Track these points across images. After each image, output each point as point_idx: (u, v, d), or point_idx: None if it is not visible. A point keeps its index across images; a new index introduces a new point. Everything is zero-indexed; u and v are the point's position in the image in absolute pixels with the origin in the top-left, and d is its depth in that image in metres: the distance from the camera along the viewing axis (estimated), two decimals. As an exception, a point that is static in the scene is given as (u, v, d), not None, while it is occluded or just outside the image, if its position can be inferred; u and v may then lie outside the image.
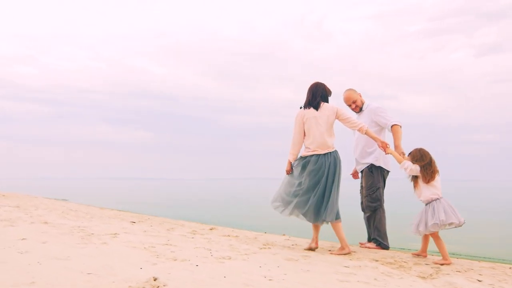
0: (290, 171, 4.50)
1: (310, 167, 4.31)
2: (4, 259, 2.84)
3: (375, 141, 4.40)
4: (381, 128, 4.93)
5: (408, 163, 4.21)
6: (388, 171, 4.98)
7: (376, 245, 4.86)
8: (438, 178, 4.17)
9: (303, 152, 4.47)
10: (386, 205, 4.97)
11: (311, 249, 4.43)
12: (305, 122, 4.37)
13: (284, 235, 6.14)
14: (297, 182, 4.39)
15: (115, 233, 4.68)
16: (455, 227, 4.00)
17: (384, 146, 4.36)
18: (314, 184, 4.26)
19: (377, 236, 4.87)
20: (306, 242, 5.19)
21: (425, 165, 4.13)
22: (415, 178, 4.26)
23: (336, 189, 4.28)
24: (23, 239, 3.85)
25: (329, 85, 4.52)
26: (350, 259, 3.84)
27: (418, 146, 4.30)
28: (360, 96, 5.12)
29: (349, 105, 5.13)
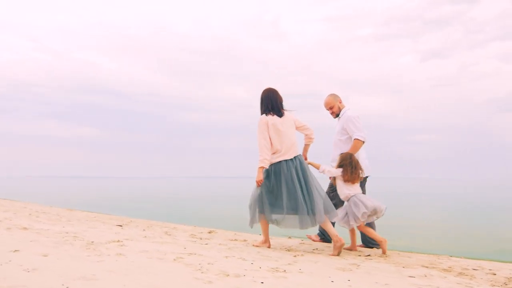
0: (262, 181, 4.21)
1: (284, 172, 4.19)
2: (19, 281, 2.16)
3: (303, 153, 4.56)
4: (350, 136, 4.88)
5: (325, 167, 4.55)
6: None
7: (320, 239, 5.06)
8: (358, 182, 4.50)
9: (277, 158, 4.27)
10: None
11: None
12: (270, 129, 4.25)
13: (290, 237, 5.70)
14: (274, 194, 4.22)
15: (118, 240, 4.01)
16: (377, 218, 4.35)
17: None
18: (294, 191, 4.13)
19: (324, 231, 4.95)
20: (326, 246, 4.79)
21: (352, 168, 4.39)
22: (333, 178, 4.66)
23: (315, 187, 4.20)
24: (16, 250, 3.12)
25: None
26: (403, 267, 3.45)
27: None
28: (340, 102, 5.05)
29: (327, 110, 5.10)
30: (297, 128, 4.44)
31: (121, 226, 5.94)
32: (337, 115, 5.04)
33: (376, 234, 4.42)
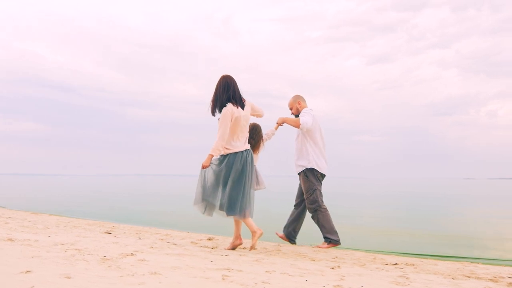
0: (207, 167, 4.33)
1: (237, 165, 4.25)
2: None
3: None
4: (306, 131, 4.97)
5: None
6: (322, 174, 5.03)
7: (328, 244, 4.92)
8: (260, 152, 4.83)
9: (225, 150, 4.31)
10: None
11: (235, 247, 4.47)
12: (233, 120, 4.25)
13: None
14: (221, 181, 4.30)
15: (131, 254, 3.54)
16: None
17: None
18: (239, 181, 4.24)
19: (326, 233, 4.94)
20: (344, 253, 4.57)
21: (251, 139, 4.68)
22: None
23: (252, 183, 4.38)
24: (27, 271, 2.61)
25: (238, 82, 4.42)
26: (452, 278, 3.28)
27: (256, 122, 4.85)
28: (299, 103, 5.13)
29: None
30: (252, 113, 4.50)
31: (110, 233, 5.38)
32: (296, 116, 5.09)
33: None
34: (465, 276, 3.44)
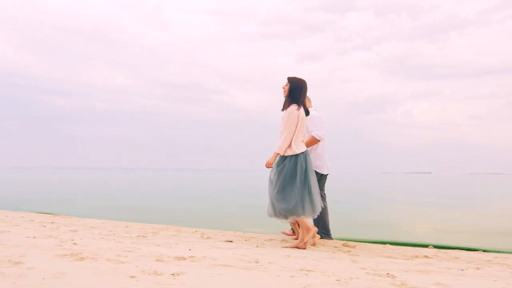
0: (271, 166, 4.64)
1: (301, 164, 4.55)
2: None
3: None
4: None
5: None
6: (322, 174, 5.38)
7: (321, 237, 5.30)
8: None
9: (288, 151, 4.62)
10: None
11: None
12: (298, 121, 4.59)
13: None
14: (298, 180, 4.52)
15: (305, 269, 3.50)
16: None
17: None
18: (306, 180, 4.55)
19: (320, 228, 5.33)
20: (336, 243, 4.95)
21: None
22: None
23: (314, 182, 4.69)
24: None
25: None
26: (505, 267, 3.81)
27: None
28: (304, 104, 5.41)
29: None
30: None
31: (231, 241, 5.13)
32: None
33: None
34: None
